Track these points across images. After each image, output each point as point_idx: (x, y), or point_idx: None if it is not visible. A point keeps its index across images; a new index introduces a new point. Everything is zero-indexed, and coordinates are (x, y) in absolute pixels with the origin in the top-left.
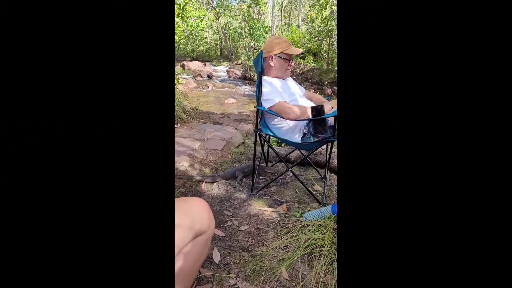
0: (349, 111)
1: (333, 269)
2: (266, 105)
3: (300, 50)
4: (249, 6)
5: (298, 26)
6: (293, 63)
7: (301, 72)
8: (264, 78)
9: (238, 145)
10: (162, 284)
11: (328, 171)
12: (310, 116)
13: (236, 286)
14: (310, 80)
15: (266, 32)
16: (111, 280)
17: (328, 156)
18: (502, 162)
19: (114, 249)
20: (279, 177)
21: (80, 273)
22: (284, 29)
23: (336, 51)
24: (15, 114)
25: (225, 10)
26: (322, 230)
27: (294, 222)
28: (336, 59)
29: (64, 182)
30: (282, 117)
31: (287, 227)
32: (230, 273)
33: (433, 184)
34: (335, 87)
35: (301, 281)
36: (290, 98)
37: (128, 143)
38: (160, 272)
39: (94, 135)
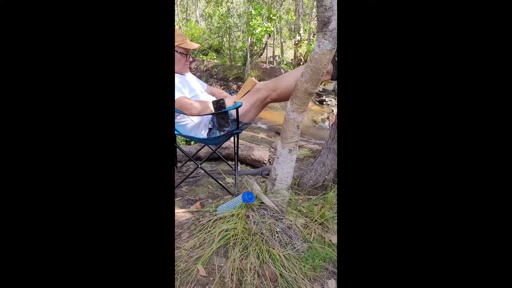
0: (350, 112)
1: (247, 254)
2: None
3: (197, 45)
4: None
5: (197, 21)
6: (191, 58)
7: (205, 68)
8: None
9: None
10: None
11: (238, 163)
12: (213, 111)
13: None
14: (215, 76)
15: None
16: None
17: (236, 148)
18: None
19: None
20: (190, 176)
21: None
22: (182, 24)
23: (237, 47)
24: (15, 115)
25: None
26: (234, 219)
27: (209, 217)
28: (237, 56)
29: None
30: (184, 114)
31: (201, 224)
32: None
33: (431, 186)
34: (240, 83)
35: (218, 274)
36: (191, 94)
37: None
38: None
39: (97, 135)
